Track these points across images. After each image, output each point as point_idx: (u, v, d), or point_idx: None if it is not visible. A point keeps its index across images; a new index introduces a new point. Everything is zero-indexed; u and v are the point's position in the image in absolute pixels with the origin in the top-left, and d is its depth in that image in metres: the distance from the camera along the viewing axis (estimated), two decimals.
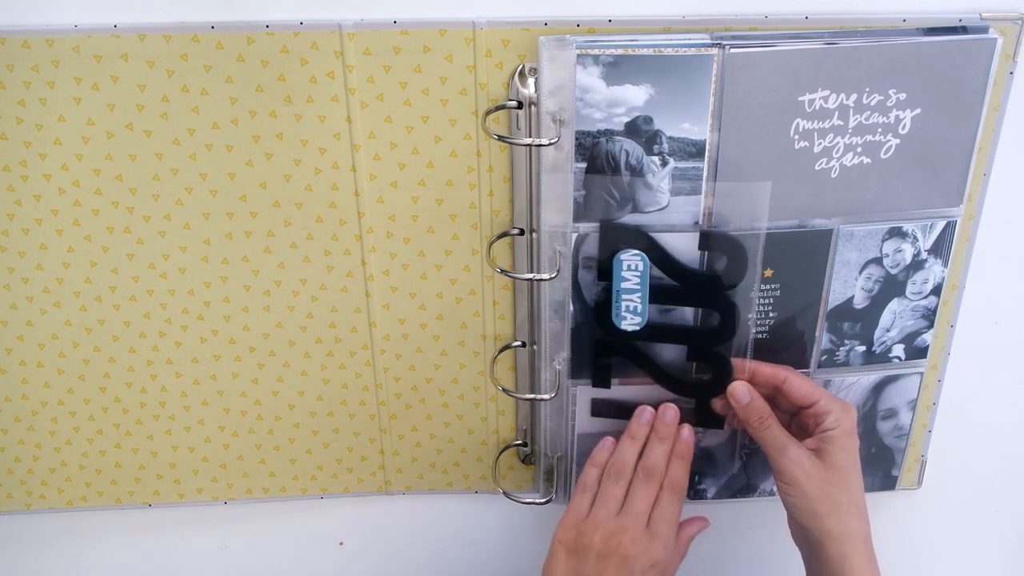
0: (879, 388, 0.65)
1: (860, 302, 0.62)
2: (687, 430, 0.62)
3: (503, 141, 0.57)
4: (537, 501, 0.69)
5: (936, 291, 0.62)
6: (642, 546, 0.58)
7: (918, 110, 0.56)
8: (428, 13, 0.55)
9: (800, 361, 0.63)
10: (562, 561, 0.60)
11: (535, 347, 0.63)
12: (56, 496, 0.69)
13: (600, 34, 0.55)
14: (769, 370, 0.61)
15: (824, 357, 0.63)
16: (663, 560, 0.59)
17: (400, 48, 0.56)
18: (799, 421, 0.61)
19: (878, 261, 0.61)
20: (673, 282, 0.59)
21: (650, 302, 0.59)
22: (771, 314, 0.61)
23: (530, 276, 0.60)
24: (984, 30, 0.55)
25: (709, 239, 0.58)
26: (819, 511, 0.57)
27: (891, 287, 0.62)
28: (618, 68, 0.53)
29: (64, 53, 0.55)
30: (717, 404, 0.62)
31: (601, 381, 0.63)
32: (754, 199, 0.57)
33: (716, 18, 0.55)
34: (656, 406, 0.62)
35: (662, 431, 0.61)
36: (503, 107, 0.57)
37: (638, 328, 0.60)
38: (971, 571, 0.76)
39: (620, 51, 0.53)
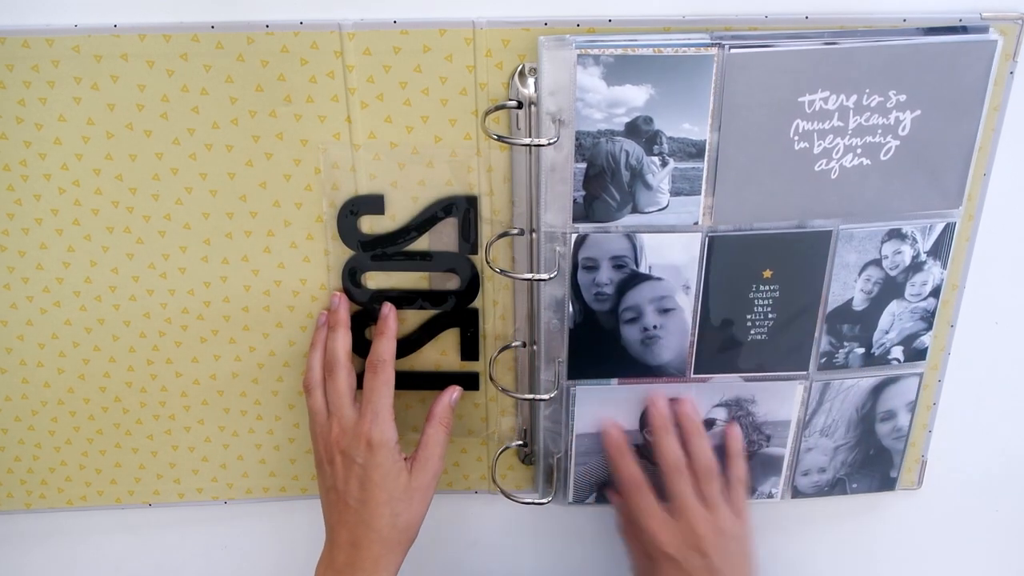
0: (878, 390, 0.65)
1: (859, 304, 0.62)
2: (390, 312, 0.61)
3: (503, 141, 0.57)
4: (537, 501, 0.69)
5: (935, 293, 0.62)
6: (350, 430, 0.59)
7: (918, 112, 0.56)
8: (428, 13, 0.55)
9: (799, 363, 0.63)
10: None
11: (535, 347, 0.63)
12: (56, 496, 0.69)
13: (600, 34, 0.55)
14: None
15: (823, 359, 0.63)
16: (376, 438, 0.59)
17: (400, 48, 0.56)
18: None
19: (877, 263, 0.61)
20: None
21: None
22: (770, 315, 0.61)
23: (529, 276, 0.60)
24: (984, 30, 0.55)
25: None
26: None
27: (890, 289, 0.62)
28: (619, 68, 0.53)
29: (64, 53, 0.55)
30: None
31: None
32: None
33: (716, 18, 0.55)
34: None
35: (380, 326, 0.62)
36: (503, 107, 0.57)
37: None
38: (971, 571, 0.76)
39: (620, 51, 0.53)
